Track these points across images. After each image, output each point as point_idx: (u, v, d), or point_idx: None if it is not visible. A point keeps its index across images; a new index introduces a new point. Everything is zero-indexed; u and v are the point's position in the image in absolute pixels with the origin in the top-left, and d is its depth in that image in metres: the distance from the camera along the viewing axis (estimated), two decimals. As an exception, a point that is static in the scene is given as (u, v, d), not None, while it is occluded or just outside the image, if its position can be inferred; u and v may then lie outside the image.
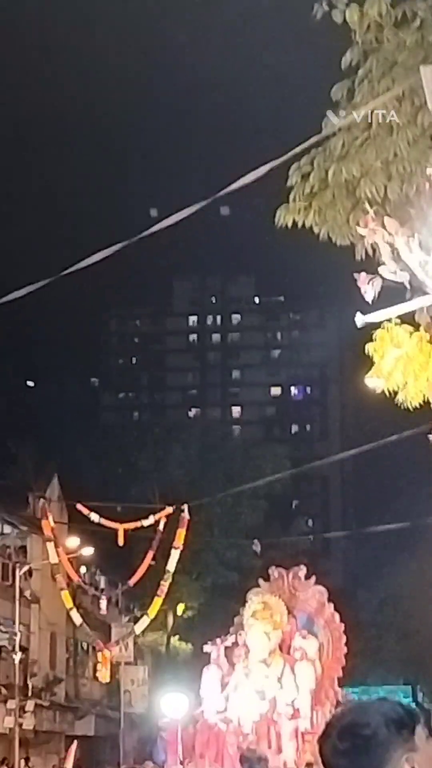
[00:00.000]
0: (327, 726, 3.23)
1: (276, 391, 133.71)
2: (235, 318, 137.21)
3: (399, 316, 13.06)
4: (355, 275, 12.99)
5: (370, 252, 13.10)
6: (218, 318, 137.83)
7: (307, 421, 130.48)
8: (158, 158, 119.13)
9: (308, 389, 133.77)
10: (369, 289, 12.60)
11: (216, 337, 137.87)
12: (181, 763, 29.90)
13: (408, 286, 12.62)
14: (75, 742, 35.29)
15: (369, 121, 13.11)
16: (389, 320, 13.08)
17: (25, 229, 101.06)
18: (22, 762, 42.90)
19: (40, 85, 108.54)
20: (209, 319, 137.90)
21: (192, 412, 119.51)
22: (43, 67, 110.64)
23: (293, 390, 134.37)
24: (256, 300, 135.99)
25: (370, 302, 12.82)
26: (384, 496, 71.94)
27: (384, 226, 12.42)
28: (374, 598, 64.45)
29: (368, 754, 3.06)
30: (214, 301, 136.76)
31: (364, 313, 12.97)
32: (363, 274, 12.85)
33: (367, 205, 12.79)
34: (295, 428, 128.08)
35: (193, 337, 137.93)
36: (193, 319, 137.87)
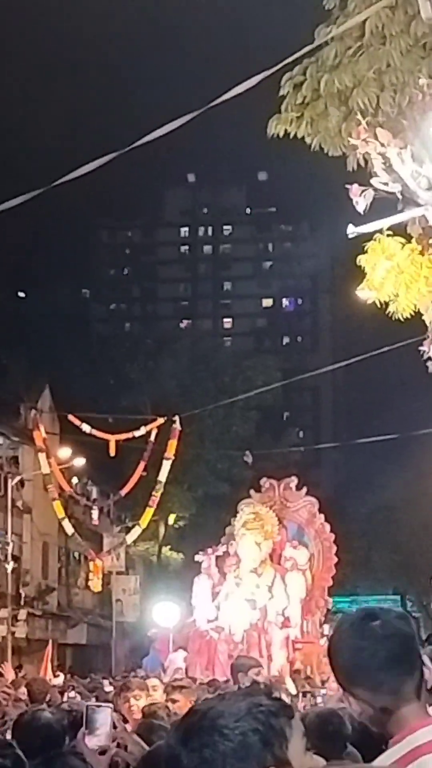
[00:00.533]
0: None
1: (267, 302, 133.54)
2: (227, 229, 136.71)
3: (390, 228, 13.07)
4: (347, 186, 12.98)
5: (362, 163, 13.08)
6: (209, 229, 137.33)
7: (298, 332, 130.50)
8: (151, 69, 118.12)
9: (299, 301, 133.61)
10: (361, 201, 12.60)
11: (207, 248, 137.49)
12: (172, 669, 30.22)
13: (400, 198, 12.63)
14: (50, 643, 35.53)
15: (362, 30, 13.04)
16: (381, 232, 13.09)
17: (16, 138, 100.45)
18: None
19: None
20: (200, 231, 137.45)
21: (183, 324, 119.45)
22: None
23: (284, 302, 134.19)
24: (248, 211, 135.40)
25: (361, 213, 12.82)
26: (375, 407, 72.41)
27: (376, 137, 12.41)
28: (364, 509, 64.89)
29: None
30: (205, 212, 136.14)
31: (355, 224, 12.99)
32: (355, 185, 12.84)
33: (359, 116, 12.76)
34: (286, 340, 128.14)
35: (184, 248, 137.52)
36: (184, 231, 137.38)
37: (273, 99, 13.96)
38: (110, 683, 25.02)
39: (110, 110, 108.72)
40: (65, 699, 17.61)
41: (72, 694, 20.25)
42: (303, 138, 13.98)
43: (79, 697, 18.10)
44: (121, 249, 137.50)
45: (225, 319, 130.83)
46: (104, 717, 5.37)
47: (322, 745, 6.74)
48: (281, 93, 13.82)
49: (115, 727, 5.40)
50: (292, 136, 14.03)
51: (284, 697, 3.41)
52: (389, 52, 12.74)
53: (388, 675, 3.60)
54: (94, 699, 13.15)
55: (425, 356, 12.96)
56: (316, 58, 13.48)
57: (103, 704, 5.86)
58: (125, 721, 9.00)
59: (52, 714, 7.33)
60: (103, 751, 5.16)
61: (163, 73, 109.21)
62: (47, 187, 15.11)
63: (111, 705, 5.96)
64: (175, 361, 71.70)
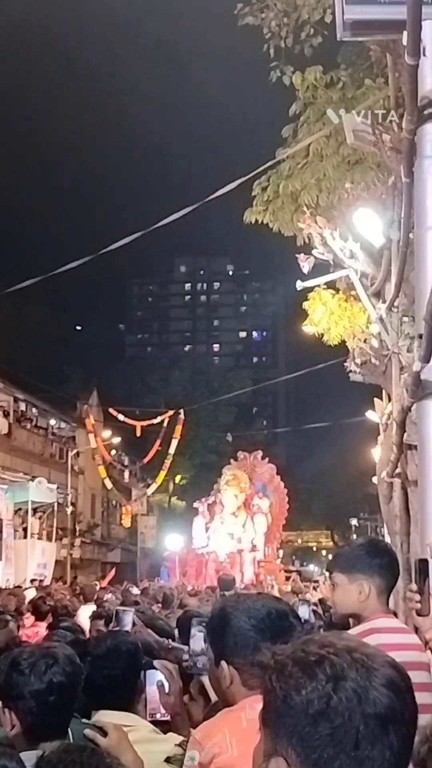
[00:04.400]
0: None
1: (243, 334, 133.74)
2: (216, 285, 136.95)
3: (325, 283, 13.04)
4: (297, 255, 12.96)
5: (306, 240, 13.05)
6: (205, 285, 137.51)
7: (263, 354, 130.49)
8: (161, 177, 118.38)
9: (264, 333, 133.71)
10: (306, 265, 12.56)
11: (203, 298, 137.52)
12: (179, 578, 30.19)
13: (332, 263, 12.59)
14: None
15: (307, 151, 13.00)
16: (319, 286, 13.06)
17: (76, 221, 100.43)
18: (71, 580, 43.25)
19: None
20: (199, 286, 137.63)
21: (187, 348, 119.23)
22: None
23: (254, 333, 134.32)
24: (230, 273, 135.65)
25: (306, 273, 12.79)
26: (314, 405, 72.14)
27: (317, 223, 12.36)
28: (307, 473, 64.67)
29: None
30: (202, 273, 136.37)
31: (302, 281, 12.95)
32: (302, 254, 12.81)
33: (305, 209, 12.71)
34: (255, 359, 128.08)
35: (187, 297, 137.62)
36: (188, 286, 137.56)
37: (247, 197, 13.94)
38: (137, 588, 24.90)
39: (135, 201, 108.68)
40: (105, 599, 17.51)
41: (110, 596, 20.12)
42: (267, 224, 13.95)
43: (114, 598, 17.97)
44: (145, 298, 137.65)
45: (214, 345, 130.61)
46: (128, 617, 5.29)
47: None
48: (253, 194, 13.79)
49: (134, 624, 5.30)
50: (260, 222, 13.99)
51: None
52: (325, 166, 12.69)
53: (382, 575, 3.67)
54: (120, 603, 12.94)
55: (348, 370, 12.90)
56: (276, 170, 13.44)
57: (127, 608, 5.77)
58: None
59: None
60: None
61: (171, 180, 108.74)
62: (96, 255, 15.08)
63: (133, 609, 5.85)
64: (181, 373, 71.69)
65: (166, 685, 3.62)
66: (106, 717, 3.44)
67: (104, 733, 3.09)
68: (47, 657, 2.99)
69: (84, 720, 3.34)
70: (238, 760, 2.40)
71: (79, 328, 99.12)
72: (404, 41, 4.51)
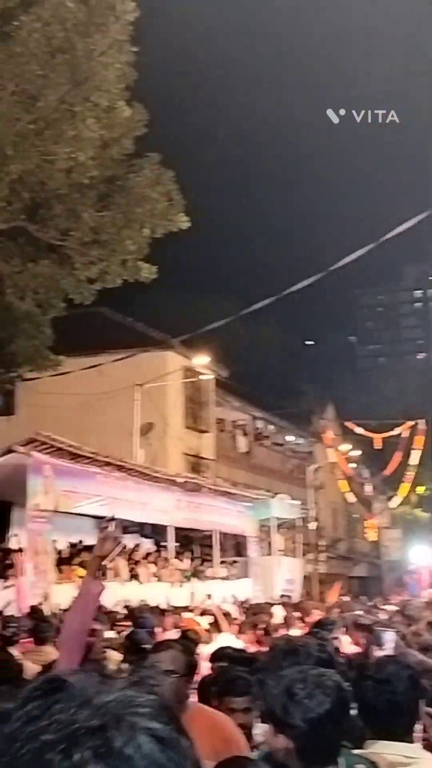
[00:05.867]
0: None
1: None
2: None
3: None
4: None
5: None
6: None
7: None
8: (384, 187, 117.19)
9: None
10: None
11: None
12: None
13: None
14: (338, 582, 35.14)
15: None
16: None
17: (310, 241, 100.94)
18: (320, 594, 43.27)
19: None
20: (429, 293, 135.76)
21: (420, 356, 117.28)
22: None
23: None
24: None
25: None
26: None
27: None
28: None
29: None
30: (431, 279, 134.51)
31: None
32: None
33: None
34: None
35: (418, 305, 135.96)
36: (417, 293, 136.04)
37: None
38: (385, 603, 24.64)
39: (362, 214, 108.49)
40: (354, 613, 17.37)
41: (359, 611, 19.98)
42: None
43: (362, 613, 17.83)
44: (375, 308, 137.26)
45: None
46: (390, 637, 5.24)
47: None
48: None
49: (397, 646, 5.26)
50: None
51: None
52: None
53: None
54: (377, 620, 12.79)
55: None
56: None
57: (389, 629, 5.72)
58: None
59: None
60: None
61: (392, 186, 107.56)
62: (326, 272, 15.17)
63: (395, 629, 5.81)
64: (415, 381, 70.59)
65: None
66: (385, 748, 3.36)
67: None
68: (321, 687, 3.06)
69: (356, 751, 3.35)
70: None
71: (310, 343, 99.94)
72: None
